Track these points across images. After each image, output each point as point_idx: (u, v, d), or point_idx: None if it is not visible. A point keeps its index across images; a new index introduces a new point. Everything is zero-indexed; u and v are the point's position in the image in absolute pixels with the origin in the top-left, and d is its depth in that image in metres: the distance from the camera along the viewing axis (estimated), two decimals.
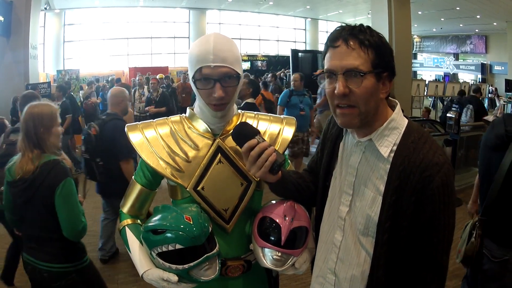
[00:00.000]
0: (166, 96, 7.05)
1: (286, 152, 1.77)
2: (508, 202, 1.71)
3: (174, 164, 1.15)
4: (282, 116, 1.33)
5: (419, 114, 9.54)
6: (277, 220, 1.09)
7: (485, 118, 4.28)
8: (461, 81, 17.23)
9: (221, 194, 1.16)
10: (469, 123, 6.31)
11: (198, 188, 1.14)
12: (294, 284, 2.95)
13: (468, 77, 21.63)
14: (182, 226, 1.01)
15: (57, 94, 6.46)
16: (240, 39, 19.90)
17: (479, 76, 21.24)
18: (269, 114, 1.34)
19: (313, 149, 5.35)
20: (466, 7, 14.75)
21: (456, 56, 22.85)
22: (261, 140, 1.04)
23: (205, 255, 1.02)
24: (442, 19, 18.24)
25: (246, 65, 17.95)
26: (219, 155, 1.16)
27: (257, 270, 1.21)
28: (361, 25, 0.96)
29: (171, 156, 1.15)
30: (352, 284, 1.02)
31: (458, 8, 15.31)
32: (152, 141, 1.17)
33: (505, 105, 13.92)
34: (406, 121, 1.00)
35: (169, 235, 1.01)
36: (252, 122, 1.23)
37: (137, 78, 9.71)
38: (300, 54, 11.97)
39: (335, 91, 0.94)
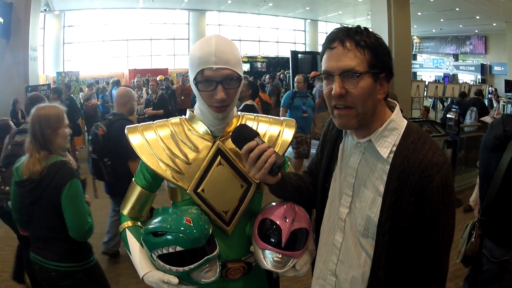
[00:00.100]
0: (165, 99, 7.02)
1: (290, 152, 1.77)
2: (507, 202, 1.71)
3: (174, 166, 1.15)
4: (282, 118, 1.34)
5: (419, 115, 9.55)
6: (278, 222, 1.09)
7: (482, 119, 4.27)
8: (461, 82, 17.25)
9: (221, 196, 1.16)
10: (468, 124, 6.32)
11: (198, 190, 1.14)
12: (295, 286, 2.94)
13: (467, 77, 21.65)
14: (182, 228, 1.01)
15: (52, 96, 6.41)
16: (240, 40, 19.93)
17: (479, 76, 21.23)
18: (268, 116, 1.34)
19: (313, 151, 5.35)
20: (465, 8, 14.78)
21: (456, 57, 22.85)
22: (260, 142, 1.04)
23: (205, 257, 1.02)
24: (442, 20, 18.27)
25: (246, 67, 17.96)
26: (219, 157, 1.16)
27: (258, 272, 1.21)
28: (358, 26, 0.97)
29: (171, 158, 1.15)
30: (353, 285, 1.02)
31: (457, 9, 15.34)
32: (152, 143, 1.17)
33: (505, 106, 13.94)
34: (405, 121, 1.01)
35: (169, 237, 1.01)
36: (252, 124, 1.23)
37: (135, 80, 9.72)
38: (299, 55, 11.93)
39: (332, 92, 0.94)
